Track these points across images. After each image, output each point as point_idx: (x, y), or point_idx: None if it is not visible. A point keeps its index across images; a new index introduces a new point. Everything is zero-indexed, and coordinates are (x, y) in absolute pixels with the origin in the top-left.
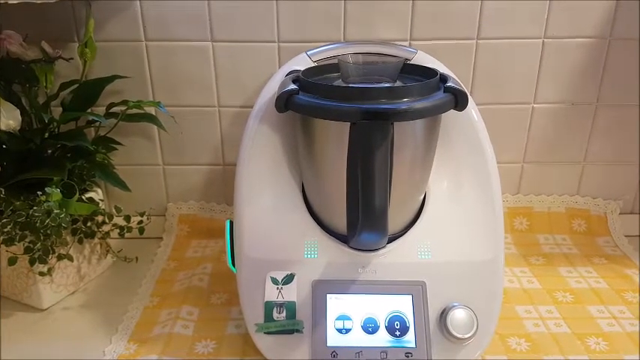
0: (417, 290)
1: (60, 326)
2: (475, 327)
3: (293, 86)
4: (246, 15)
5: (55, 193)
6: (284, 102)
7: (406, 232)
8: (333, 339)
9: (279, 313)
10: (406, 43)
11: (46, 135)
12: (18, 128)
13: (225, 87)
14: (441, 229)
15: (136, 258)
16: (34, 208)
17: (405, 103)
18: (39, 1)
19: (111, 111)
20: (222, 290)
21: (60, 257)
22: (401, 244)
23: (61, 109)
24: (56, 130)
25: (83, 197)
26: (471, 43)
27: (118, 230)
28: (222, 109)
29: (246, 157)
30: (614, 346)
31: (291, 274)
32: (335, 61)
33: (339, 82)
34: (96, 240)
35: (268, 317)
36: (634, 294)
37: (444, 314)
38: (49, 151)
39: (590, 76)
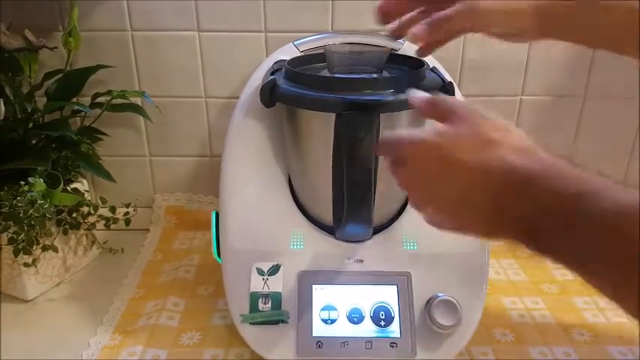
0: (402, 281)
1: (45, 317)
2: (460, 318)
3: (271, 77)
4: (233, 4)
5: (39, 183)
6: (268, 95)
7: (392, 223)
8: (319, 329)
9: (265, 303)
10: None
11: (30, 125)
12: (1, 118)
13: (212, 77)
14: None
15: (122, 249)
16: (18, 198)
17: (390, 94)
18: None
19: (96, 101)
20: (208, 282)
21: (45, 248)
22: (387, 235)
23: (45, 98)
24: (40, 120)
25: (68, 188)
26: None
27: (103, 221)
28: (209, 99)
29: (231, 148)
30: (598, 337)
31: (276, 265)
32: (322, 51)
33: (325, 73)
34: (81, 231)
35: (254, 308)
36: None
37: (428, 305)
38: (33, 141)
39: (578, 69)
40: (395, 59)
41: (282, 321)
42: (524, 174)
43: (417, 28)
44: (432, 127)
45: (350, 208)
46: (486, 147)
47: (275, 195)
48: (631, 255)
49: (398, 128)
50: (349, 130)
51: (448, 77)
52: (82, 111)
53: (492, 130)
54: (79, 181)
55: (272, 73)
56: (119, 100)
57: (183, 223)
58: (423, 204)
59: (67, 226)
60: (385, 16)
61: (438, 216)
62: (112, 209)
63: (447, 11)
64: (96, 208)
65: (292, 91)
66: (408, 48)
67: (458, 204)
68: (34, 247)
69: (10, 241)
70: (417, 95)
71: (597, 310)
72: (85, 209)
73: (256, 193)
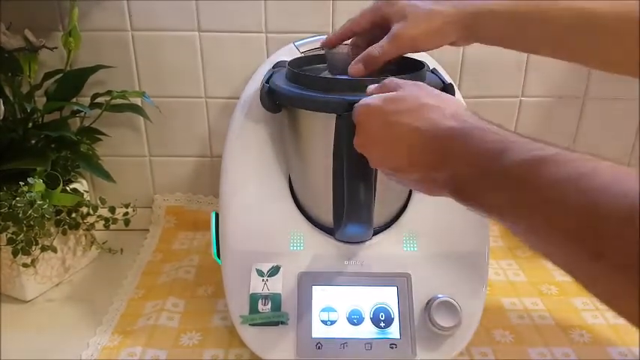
0: (402, 282)
1: (44, 318)
2: (459, 319)
3: (265, 84)
4: (234, 5)
5: (38, 183)
6: (267, 100)
7: (392, 224)
8: (318, 330)
9: (265, 305)
10: None
11: (30, 125)
12: (1, 118)
13: (212, 78)
14: (427, 222)
15: (121, 250)
16: (17, 198)
17: None
18: None
19: (95, 101)
20: (208, 282)
21: (44, 248)
22: (387, 237)
23: (44, 98)
24: (40, 120)
25: (67, 188)
26: None
27: (103, 222)
28: (210, 100)
29: (232, 148)
30: (597, 339)
31: (276, 266)
32: (322, 51)
33: (325, 74)
34: (80, 231)
35: (253, 309)
36: None
37: (428, 306)
38: (33, 142)
39: (578, 69)
40: (395, 60)
41: (282, 322)
42: (452, 134)
43: (353, 68)
44: (378, 95)
45: (350, 208)
46: (422, 111)
47: (275, 196)
48: (535, 203)
49: None
50: (349, 131)
51: (448, 79)
52: (82, 111)
53: (429, 97)
54: (79, 182)
55: (267, 80)
56: (119, 101)
57: (183, 223)
58: (377, 164)
59: (66, 227)
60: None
61: (391, 175)
62: (112, 209)
63: (377, 47)
64: (95, 208)
65: (293, 92)
66: None
67: (402, 163)
68: (33, 247)
69: (9, 241)
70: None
71: (597, 311)
72: (85, 209)
73: (256, 194)
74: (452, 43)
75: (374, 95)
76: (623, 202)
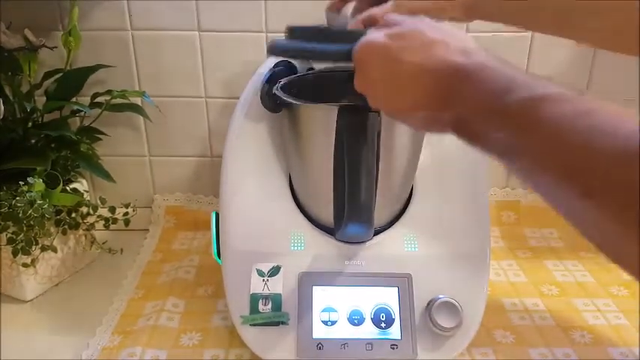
0: (402, 282)
1: (43, 318)
2: (460, 319)
3: (266, 84)
4: (234, 4)
5: (38, 183)
6: (267, 99)
7: (393, 224)
8: (319, 331)
9: (265, 305)
10: None
11: (30, 124)
12: (1, 117)
13: (212, 77)
14: (428, 222)
15: (121, 250)
16: (17, 198)
17: None
18: None
19: (95, 101)
20: (208, 282)
21: (44, 248)
22: (387, 237)
23: (44, 98)
24: (40, 119)
25: (67, 188)
26: None
27: (103, 222)
28: (210, 99)
29: (232, 148)
30: (599, 339)
31: (277, 266)
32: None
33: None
34: (80, 231)
35: (254, 309)
36: (619, 287)
37: (429, 306)
38: (33, 141)
39: (578, 69)
40: None
41: (283, 322)
42: (458, 73)
43: (352, 27)
44: (380, 31)
45: (351, 208)
46: (429, 47)
47: (275, 195)
48: (532, 141)
49: (399, 126)
50: (352, 129)
51: None
52: (82, 111)
53: (435, 31)
54: (79, 181)
55: (267, 80)
56: (119, 100)
57: (183, 223)
58: (379, 104)
59: (66, 227)
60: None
61: (393, 113)
62: (112, 209)
63: (379, 8)
64: (95, 208)
65: (291, 44)
66: None
67: (405, 103)
68: (33, 247)
69: (9, 241)
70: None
71: (597, 311)
72: (85, 209)
73: (257, 194)
74: (452, 19)
75: (375, 33)
76: (619, 143)
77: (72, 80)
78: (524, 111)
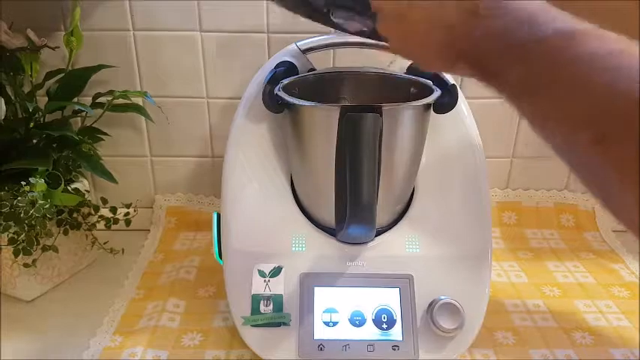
0: (404, 284)
1: (45, 318)
2: (462, 320)
3: (268, 85)
4: (236, 5)
5: (40, 183)
6: (269, 99)
7: (394, 225)
8: (320, 332)
9: (266, 306)
10: None
11: (31, 124)
12: (2, 117)
13: (214, 78)
14: (429, 223)
15: (122, 250)
16: (19, 198)
17: None
18: None
19: (97, 101)
20: (209, 283)
21: (45, 249)
22: (389, 238)
23: (46, 98)
24: (41, 119)
25: (69, 188)
26: None
27: (104, 222)
28: (211, 100)
29: (233, 149)
30: (600, 340)
31: (278, 266)
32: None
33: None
34: (82, 232)
35: (255, 310)
36: (620, 288)
37: (431, 308)
38: (34, 141)
39: None
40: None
41: (284, 323)
42: (477, 10)
43: None
44: None
45: (353, 209)
46: None
47: (277, 196)
48: (551, 79)
49: (401, 127)
50: (354, 129)
51: (451, 80)
52: (84, 111)
53: None
54: (80, 182)
55: (269, 81)
56: (121, 100)
57: (184, 223)
58: (398, 47)
59: (67, 227)
60: None
61: (406, 49)
62: (113, 209)
63: None
64: (96, 208)
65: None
66: None
67: (420, 37)
68: (35, 247)
69: (11, 241)
70: None
71: (599, 312)
72: (86, 209)
73: (258, 195)
74: None
75: None
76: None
77: (74, 80)
78: (552, 46)
